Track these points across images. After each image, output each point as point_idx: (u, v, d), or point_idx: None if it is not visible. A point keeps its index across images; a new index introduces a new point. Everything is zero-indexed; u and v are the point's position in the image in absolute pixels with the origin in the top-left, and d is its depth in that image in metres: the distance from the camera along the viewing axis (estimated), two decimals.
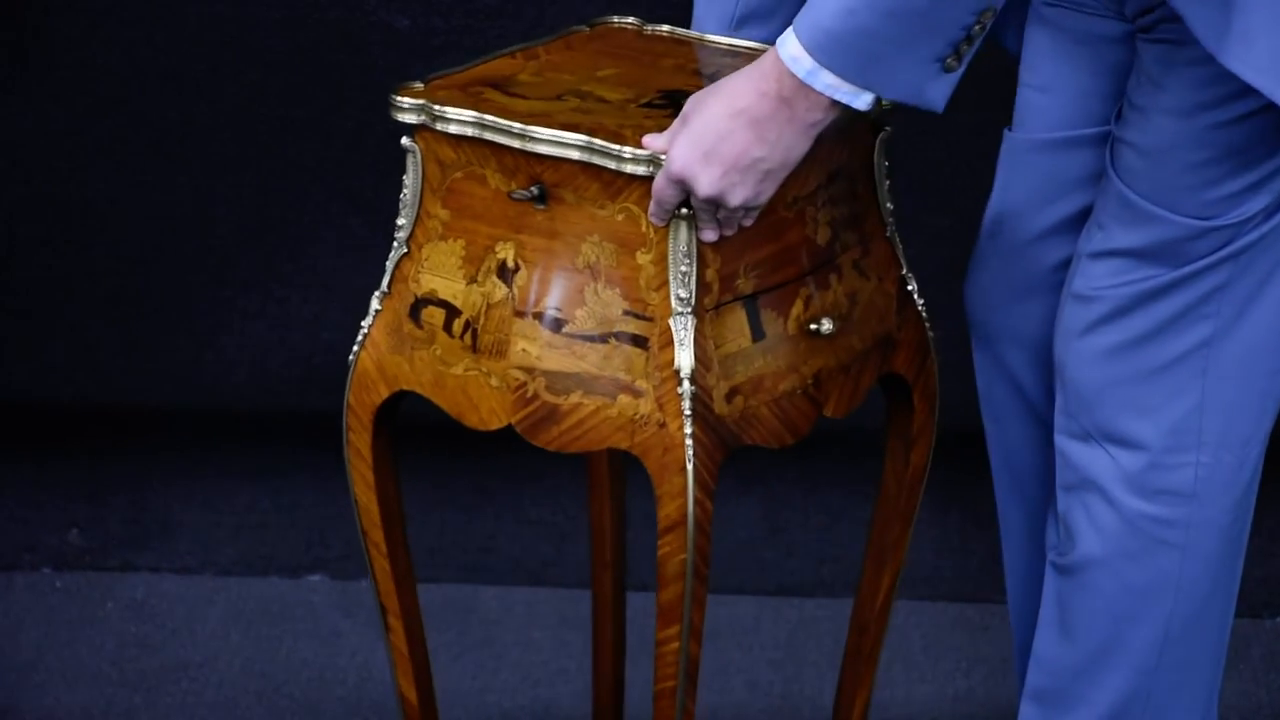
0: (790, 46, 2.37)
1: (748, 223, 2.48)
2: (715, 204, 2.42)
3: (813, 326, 2.52)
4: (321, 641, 3.31)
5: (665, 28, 2.75)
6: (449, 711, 2.98)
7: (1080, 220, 2.64)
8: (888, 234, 2.64)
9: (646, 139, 2.44)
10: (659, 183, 2.42)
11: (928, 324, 2.67)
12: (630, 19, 2.77)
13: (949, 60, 2.38)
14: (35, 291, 3.48)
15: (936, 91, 2.41)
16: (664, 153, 2.41)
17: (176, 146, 3.43)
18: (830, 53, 2.38)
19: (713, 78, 2.59)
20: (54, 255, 3.46)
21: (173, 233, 3.45)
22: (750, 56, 2.67)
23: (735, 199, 2.42)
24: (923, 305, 2.66)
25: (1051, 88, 2.65)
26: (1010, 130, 2.70)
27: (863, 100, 2.38)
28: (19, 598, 3.39)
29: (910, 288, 2.65)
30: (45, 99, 3.40)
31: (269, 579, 3.44)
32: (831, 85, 2.38)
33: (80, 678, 3.23)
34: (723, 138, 2.40)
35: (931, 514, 3.33)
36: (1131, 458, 2.58)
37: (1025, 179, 2.69)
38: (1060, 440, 2.63)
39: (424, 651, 2.70)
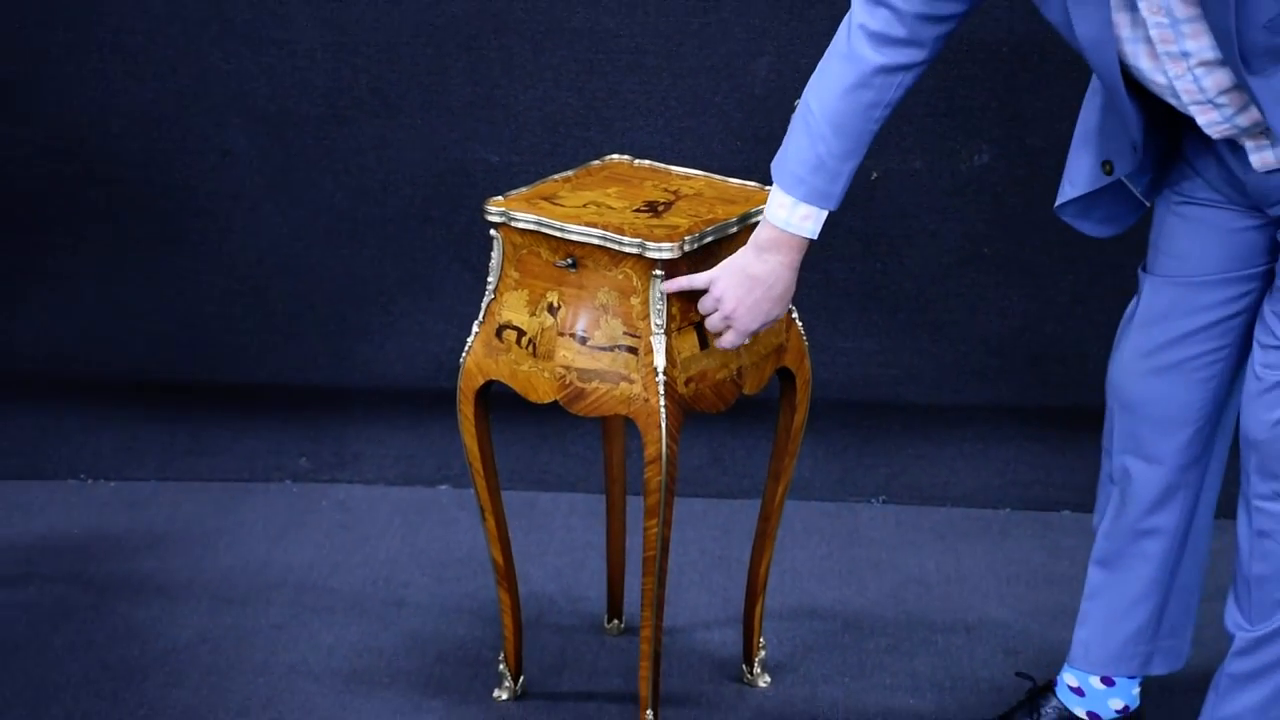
0: None
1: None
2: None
3: None
4: (447, 526, 3.25)
5: (647, 162, 2.74)
6: (522, 567, 2.93)
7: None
8: None
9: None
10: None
11: (804, 337, 2.66)
12: (626, 156, 2.76)
13: None
14: (277, 323, 3.45)
15: None
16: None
17: (362, 235, 3.40)
18: None
19: (675, 193, 2.60)
20: (288, 304, 3.44)
21: (360, 286, 3.43)
22: (689, 179, 2.66)
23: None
24: (801, 325, 2.65)
25: (1185, 254, 2.33)
26: (1145, 270, 2.38)
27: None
28: (271, 499, 3.33)
29: (794, 315, 2.63)
30: (276, 209, 3.37)
31: (416, 488, 3.37)
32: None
33: (306, 544, 3.18)
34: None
35: (806, 449, 3.31)
36: None
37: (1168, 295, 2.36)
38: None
39: (506, 532, 2.69)
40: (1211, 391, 2.36)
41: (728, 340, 2.43)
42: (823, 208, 2.32)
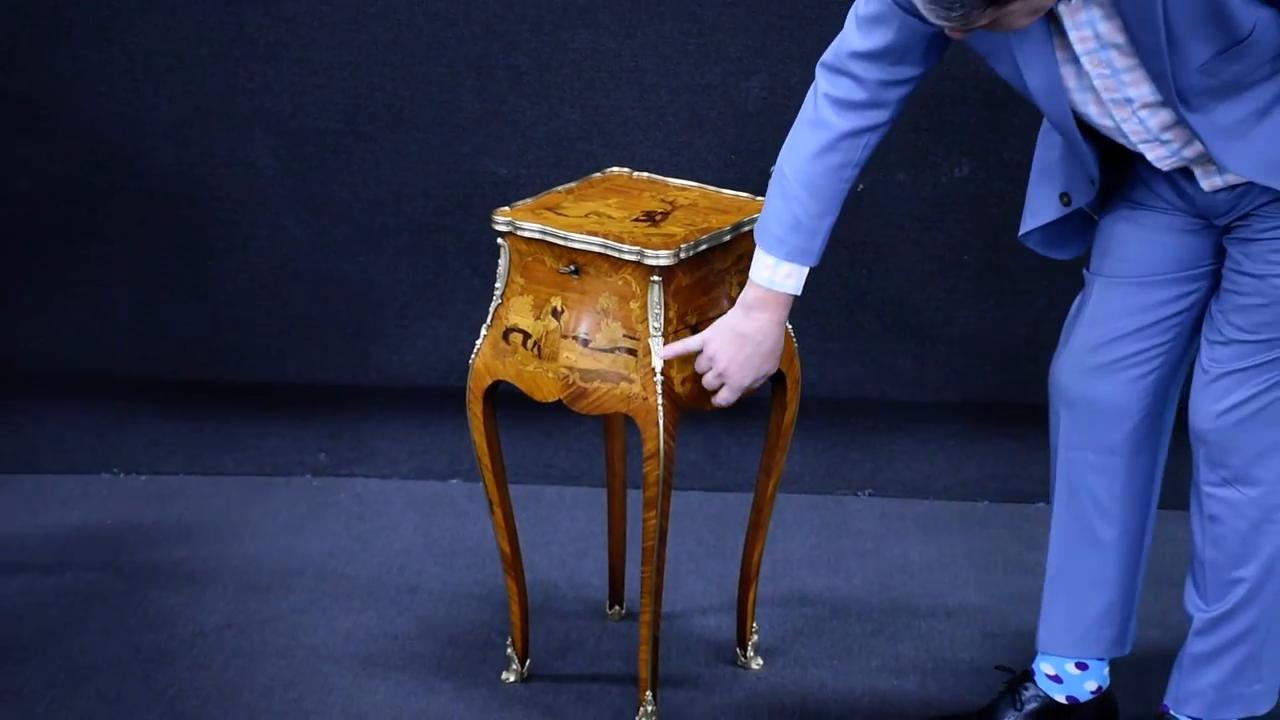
0: None
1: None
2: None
3: None
4: (458, 517, 3.27)
5: (645, 174, 2.76)
6: (528, 556, 2.94)
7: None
8: None
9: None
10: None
11: (794, 339, 2.67)
12: (625, 169, 2.78)
13: None
14: (297, 326, 3.47)
15: None
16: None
17: (378, 243, 3.42)
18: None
19: (672, 204, 2.60)
20: (308, 308, 3.46)
21: (375, 291, 3.45)
22: (685, 190, 2.66)
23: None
24: (791, 328, 2.64)
25: (1136, 256, 2.35)
26: (1092, 271, 2.39)
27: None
28: (293, 492, 3.36)
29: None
30: (297, 219, 3.41)
31: (428, 482, 3.38)
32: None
33: (325, 535, 3.20)
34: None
35: (796, 444, 3.30)
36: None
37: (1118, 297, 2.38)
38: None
39: (513, 524, 2.70)
40: (1154, 384, 2.39)
41: (722, 397, 2.46)
42: (803, 264, 2.37)
